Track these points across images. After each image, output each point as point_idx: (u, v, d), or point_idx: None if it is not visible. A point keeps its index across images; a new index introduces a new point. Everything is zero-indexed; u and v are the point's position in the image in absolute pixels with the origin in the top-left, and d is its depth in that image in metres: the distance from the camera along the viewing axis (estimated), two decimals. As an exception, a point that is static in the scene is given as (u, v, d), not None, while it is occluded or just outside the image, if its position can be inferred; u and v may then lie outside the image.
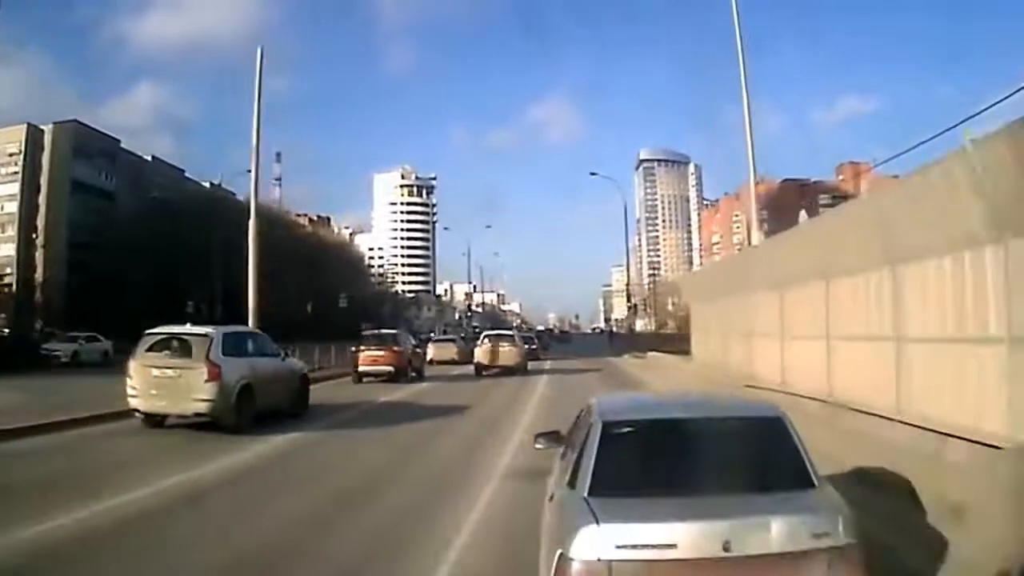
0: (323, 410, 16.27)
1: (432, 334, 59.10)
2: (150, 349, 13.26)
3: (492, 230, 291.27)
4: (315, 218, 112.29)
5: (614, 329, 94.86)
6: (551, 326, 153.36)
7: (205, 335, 13.20)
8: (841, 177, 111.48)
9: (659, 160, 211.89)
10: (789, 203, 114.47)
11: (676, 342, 56.31)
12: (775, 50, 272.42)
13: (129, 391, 12.93)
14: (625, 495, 3.91)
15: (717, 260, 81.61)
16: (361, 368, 25.14)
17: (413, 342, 30.26)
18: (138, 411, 13.03)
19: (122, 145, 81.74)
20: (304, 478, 9.76)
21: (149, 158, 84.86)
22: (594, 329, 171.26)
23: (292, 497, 8.48)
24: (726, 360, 17.88)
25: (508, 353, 29.57)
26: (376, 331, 31.26)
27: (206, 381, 12.54)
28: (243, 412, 13.01)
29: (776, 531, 3.57)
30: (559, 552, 3.65)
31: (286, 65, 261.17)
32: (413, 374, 26.54)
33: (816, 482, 4.07)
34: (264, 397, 13.75)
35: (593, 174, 51.36)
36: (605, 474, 4.02)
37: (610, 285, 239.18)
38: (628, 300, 52.28)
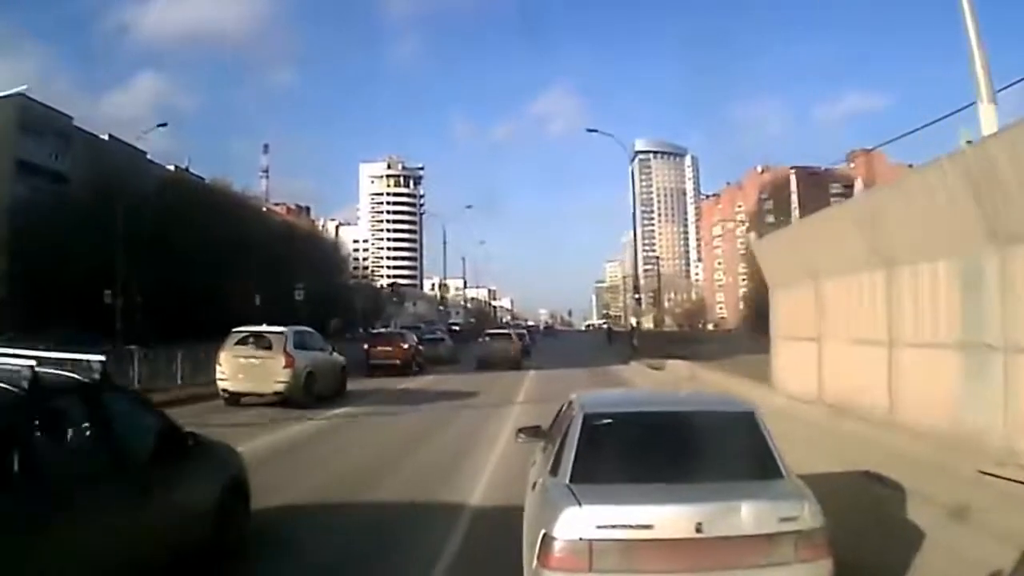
0: (356, 395, 19.49)
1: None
2: (237, 343, 16.72)
3: (484, 227, 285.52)
4: (292, 207, 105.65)
5: (612, 327, 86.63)
6: (540, 322, 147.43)
7: (282, 332, 16.94)
8: (852, 165, 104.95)
9: (655, 152, 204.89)
10: (796, 190, 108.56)
11: (691, 343, 49.43)
12: (777, 44, 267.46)
13: (219, 375, 16.31)
14: (605, 481, 4.15)
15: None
16: (373, 361, 28.44)
17: (415, 339, 32.98)
18: (226, 391, 16.28)
19: (75, 123, 74.74)
20: (377, 428, 14.35)
21: (106, 137, 77.97)
22: (588, 326, 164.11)
23: (378, 435, 13.34)
24: (891, 405, 9.00)
25: (506, 349, 34.37)
26: (385, 330, 37.84)
27: (283, 367, 16.08)
28: (309, 392, 16.48)
29: (746, 515, 3.77)
30: (543, 532, 3.87)
31: (281, 60, 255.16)
32: (416, 368, 29.45)
33: (784, 472, 4.23)
34: (321, 382, 17.34)
35: (591, 131, 43.66)
36: (586, 462, 4.24)
37: (603, 281, 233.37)
38: (635, 291, 43.25)
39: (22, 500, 3.67)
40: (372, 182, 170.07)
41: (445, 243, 70.53)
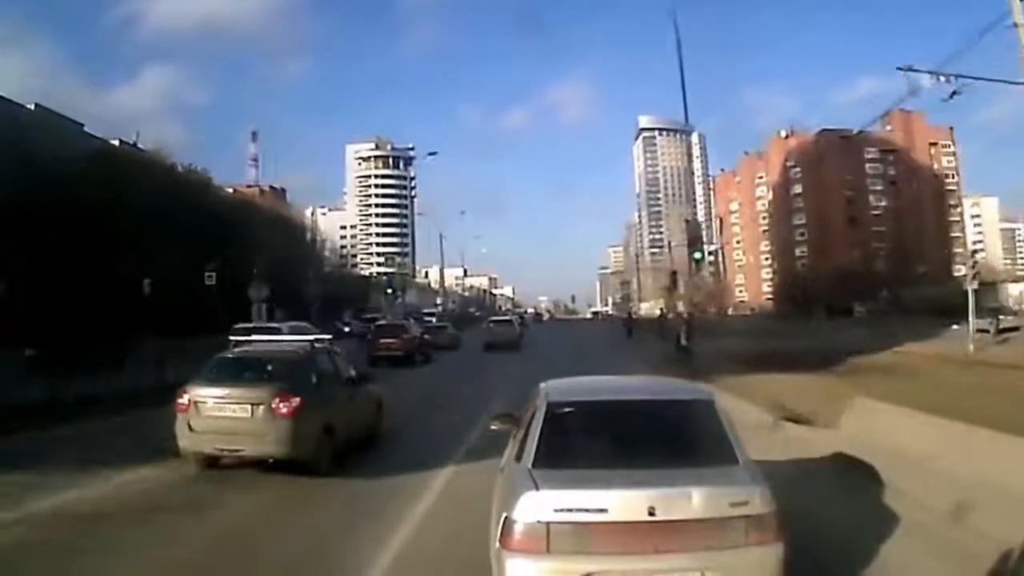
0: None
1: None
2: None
3: (485, 217, 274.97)
4: (264, 189, 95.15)
5: (632, 314, 74.40)
6: (538, 309, 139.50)
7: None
8: (890, 128, 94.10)
9: (660, 129, 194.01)
10: (827, 156, 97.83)
11: (735, 334, 39.53)
12: (785, 33, 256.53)
13: None
14: (565, 467, 4.42)
15: None
16: (376, 353, 29.16)
17: (419, 330, 34.67)
18: None
19: (-4, 91, 63.76)
20: (410, 395, 18.76)
21: (31, 107, 67.09)
22: (595, 314, 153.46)
23: (415, 399, 18.21)
24: None
25: (509, 332, 40.80)
26: (388, 322, 37.82)
27: None
28: None
29: (697, 500, 4.03)
30: (504, 515, 4.17)
31: (281, 49, 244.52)
32: (421, 358, 31.09)
33: (740, 458, 4.48)
34: None
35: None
36: (548, 449, 4.53)
37: (607, 268, 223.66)
38: (689, 246, 27.78)
39: (318, 390, 10.00)
40: (359, 164, 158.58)
41: (413, 212, 59.27)
